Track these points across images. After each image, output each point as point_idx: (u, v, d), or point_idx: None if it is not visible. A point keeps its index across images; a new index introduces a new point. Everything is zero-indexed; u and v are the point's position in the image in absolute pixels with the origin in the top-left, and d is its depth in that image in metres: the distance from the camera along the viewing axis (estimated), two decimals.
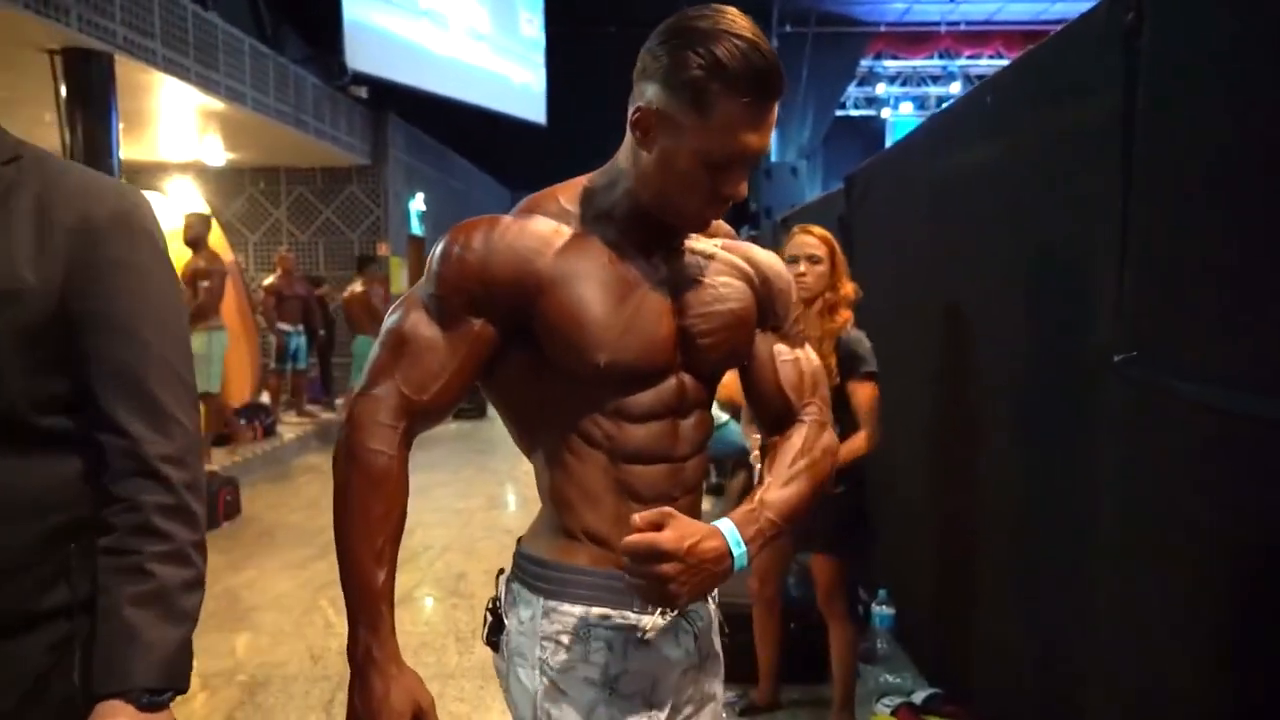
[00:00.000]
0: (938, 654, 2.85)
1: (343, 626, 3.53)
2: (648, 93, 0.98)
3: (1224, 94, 1.42)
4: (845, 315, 2.42)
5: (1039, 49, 2.05)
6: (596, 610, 1.04)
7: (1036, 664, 2.08)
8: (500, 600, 1.12)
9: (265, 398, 7.85)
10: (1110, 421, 1.69)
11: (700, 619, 1.14)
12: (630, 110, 1.01)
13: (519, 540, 1.14)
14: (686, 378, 1.09)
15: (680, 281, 1.08)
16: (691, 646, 1.11)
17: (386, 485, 1.00)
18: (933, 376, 2.83)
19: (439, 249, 1.05)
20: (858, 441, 2.36)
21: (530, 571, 1.09)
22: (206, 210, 5.78)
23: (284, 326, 7.77)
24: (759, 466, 2.54)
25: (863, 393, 2.37)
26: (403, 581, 4.24)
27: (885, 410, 2.45)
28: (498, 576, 1.15)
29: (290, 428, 7.60)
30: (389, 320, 1.06)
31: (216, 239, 7.33)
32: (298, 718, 2.83)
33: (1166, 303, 1.55)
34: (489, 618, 1.12)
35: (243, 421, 6.89)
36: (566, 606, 1.05)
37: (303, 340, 7.90)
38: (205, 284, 5.56)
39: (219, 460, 5.97)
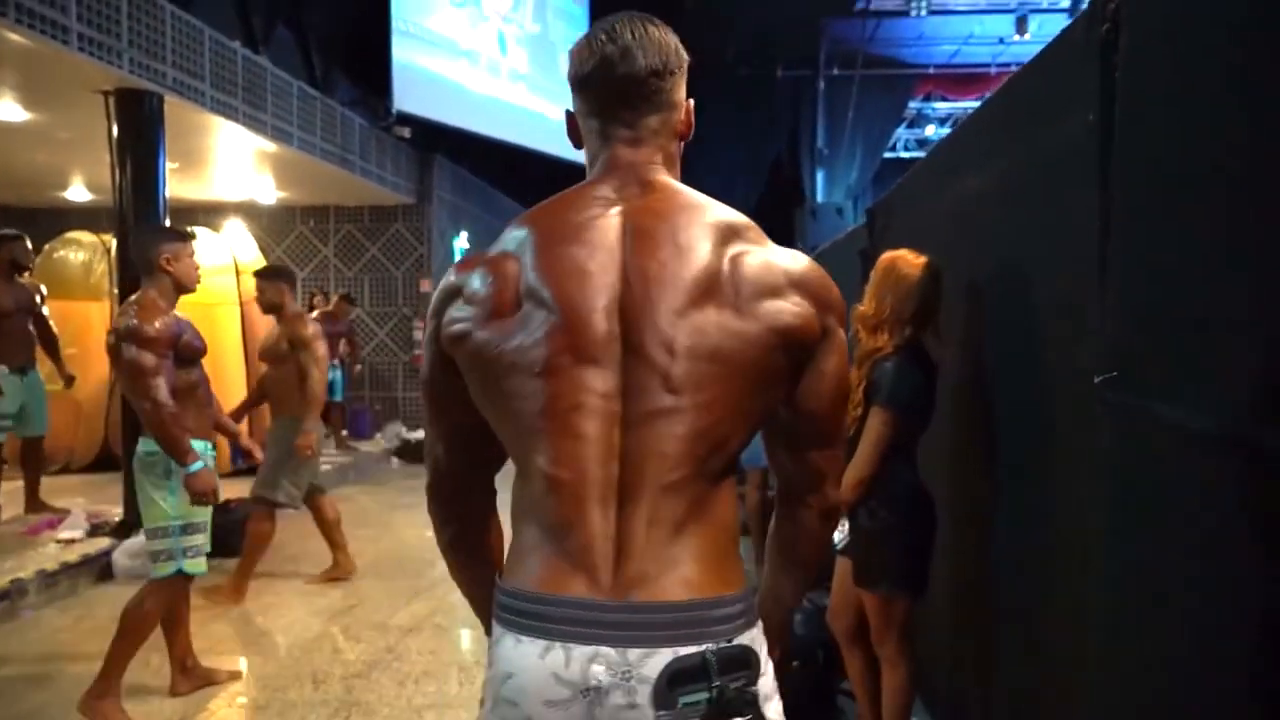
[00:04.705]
0: (956, 701, 2.72)
1: (350, 653, 3.57)
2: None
3: (1203, 105, 1.36)
4: (872, 339, 2.30)
5: (1024, 70, 2.01)
6: None
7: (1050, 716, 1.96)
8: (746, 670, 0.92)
9: None
10: (1101, 456, 1.60)
11: None
12: None
13: (733, 590, 0.94)
14: None
15: None
16: None
17: None
18: (940, 414, 2.74)
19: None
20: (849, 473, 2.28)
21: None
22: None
23: None
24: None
25: (869, 422, 2.25)
26: (417, 611, 4.29)
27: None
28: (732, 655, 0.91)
29: (328, 459, 7.71)
30: None
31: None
32: None
33: (1148, 322, 1.48)
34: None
35: None
36: None
37: (339, 374, 8.07)
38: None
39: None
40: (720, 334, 0.93)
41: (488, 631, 1.05)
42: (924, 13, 12.95)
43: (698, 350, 0.92)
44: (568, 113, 1.13)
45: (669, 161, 1.08)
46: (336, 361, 8.06)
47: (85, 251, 7.14)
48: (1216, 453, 1.26)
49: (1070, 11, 11.20)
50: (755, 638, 0.95)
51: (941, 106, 15.63)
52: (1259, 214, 1.19)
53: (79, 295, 6.84)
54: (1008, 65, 14.48)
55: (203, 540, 2.99)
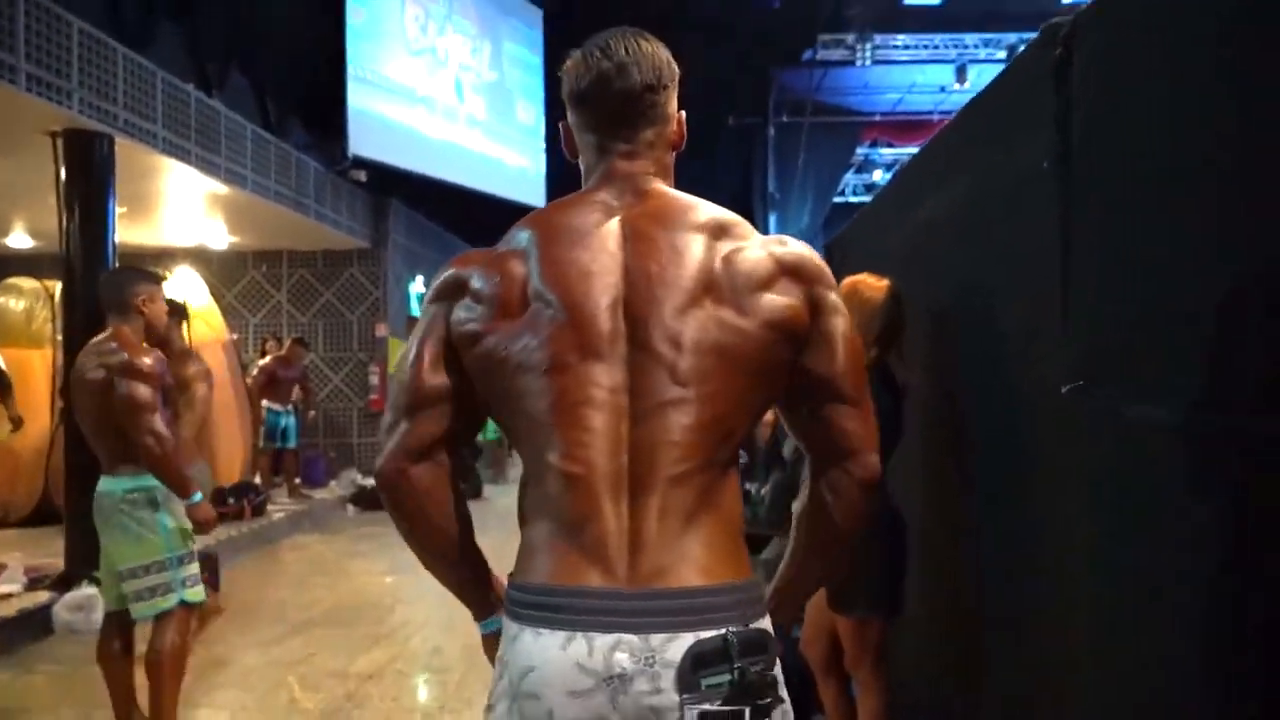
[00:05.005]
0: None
1: (308, 703, 3.43)
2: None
3: (1157, 119, 1.42)
4: None
5: (981, 95, 2.07)
6: None
7: None
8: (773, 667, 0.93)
9: (258, 477, 7.80)
10: (1096, 460, 1.60)
11: None
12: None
13: (744, 577, 0.97)
14: None
15: None
16: None
17: None
18: (911, 434, 2.76)
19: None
20: None
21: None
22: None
23: (273, 406, 7.77)
24: None
25: None
26: (376, 657, 4.15)
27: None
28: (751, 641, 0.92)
29: (281, 507, 7.51)
30: None
31: (213, 318, 7.43)
32: None
33: (1111, 330, 1.52)
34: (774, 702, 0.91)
35: (231, 500, 6.82)
36: None
37: (292, 420, 7.89)
38: None
39: (203, 539, 5.86)
40: (720, 329, 0.97)
41: (476, 618, 1.10)
42: (868, 62, 13.39)
43: (702, 344, 0.96)
44: (562, 125, 1.16)
45: (663, 171, 1.12)
46: (290, 407, 7.90)
47: (26, 299, 6.93)
48: (1203, 448, 1.28)
49: (1007, 61, 11.67)
50: (768, 624, 0.97)
51: (887, 152, 16.08)
52: (1230, 213, 1.23)
53: (20, 343, 6.62)
54: (949, 113, 15.01)
55: (197, 569, 2.94)
